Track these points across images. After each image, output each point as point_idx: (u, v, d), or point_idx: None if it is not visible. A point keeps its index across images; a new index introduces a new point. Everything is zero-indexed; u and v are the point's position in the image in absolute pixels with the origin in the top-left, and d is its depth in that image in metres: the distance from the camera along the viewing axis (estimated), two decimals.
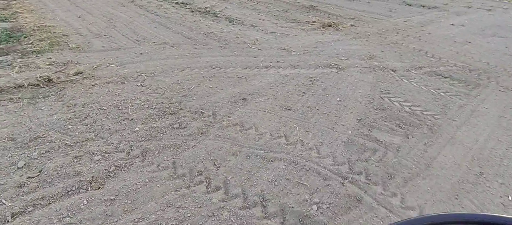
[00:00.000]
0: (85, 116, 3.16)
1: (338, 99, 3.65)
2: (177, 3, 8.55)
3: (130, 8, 7.74)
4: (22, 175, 2.37)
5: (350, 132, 3.06)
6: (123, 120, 3.09)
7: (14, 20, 6.23)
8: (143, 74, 4.12)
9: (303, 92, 3.79)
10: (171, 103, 3.43)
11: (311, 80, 4.09)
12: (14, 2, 7.72)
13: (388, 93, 3.84)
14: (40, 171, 2.41)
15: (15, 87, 3.61)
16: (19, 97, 3.42)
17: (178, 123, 3.10)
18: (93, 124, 3.03)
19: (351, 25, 6.92)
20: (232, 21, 6.99)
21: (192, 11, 7.71)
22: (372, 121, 3.25)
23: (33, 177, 2.35)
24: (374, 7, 8.88)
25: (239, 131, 3.01)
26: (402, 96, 3.76)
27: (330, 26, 6.75)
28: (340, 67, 4.54)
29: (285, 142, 2.87)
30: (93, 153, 2.62)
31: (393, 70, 4.49)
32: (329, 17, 7.64)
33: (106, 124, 3.03)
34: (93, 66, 4.28)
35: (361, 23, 7.14)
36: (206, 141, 2.84)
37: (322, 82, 4.05)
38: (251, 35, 6.05)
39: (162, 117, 3.18)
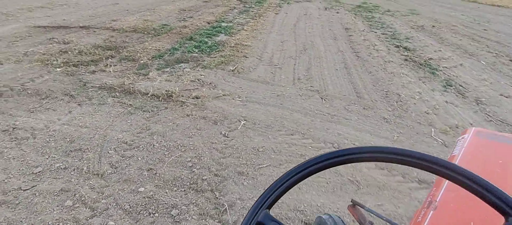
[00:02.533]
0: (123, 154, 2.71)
1: None
2: (396, 46, 6.81)
3: (337, 42, 6.86)
4: None
5: None
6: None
7: (233, 35, 6.94)
8: (243, 122, 3.23)
9: None
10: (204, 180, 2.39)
11: None
12: (258, 19, 8.74)
13: None
14: None
15: (140, 93, 3.73)
16: (130, 104, 3.47)
17: None
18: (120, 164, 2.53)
19: None
20: (450, 86, 4.65)
21: (405, 60, 5.83)
22: None
23: None
24: None
25: None
26: None
27: None
28: None
29: None
30: None
31: None
32: None
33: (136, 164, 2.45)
34: (217, 94, 3.84)
35: None
36: None
37: None
38: (454, 116, 3.70)
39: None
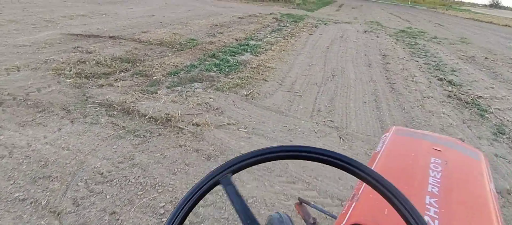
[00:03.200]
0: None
1: None
2: (439, 79, 6.00)
3: (371, 70, 6.19)
4: None
5: None
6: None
7: (258, 55, 6.56)
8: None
9: None
10: None
11: None
12: (290, 39, 8.32)
13: None
14: None
15: (139, 114, 3.42)
16: (123, 126, 3.16)
17: None
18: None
19: None
20: (502, 134, 3.84)
21: (449, 97, 5.04)
22: None
23: None
24: None
25: None
26: None
27: None
28: None
29: None
30: None
31: None
32: None
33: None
34: (222, 122, 3.42)
35: None
36: None
37: None
38: (507, 177, 2.94)
39: None
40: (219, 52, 6.34)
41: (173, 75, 4.77)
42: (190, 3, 14.80)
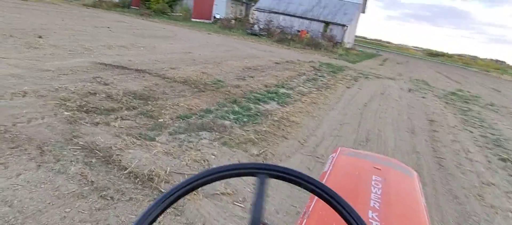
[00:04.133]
0: None
1: None
2: (502, 159, 4.82)
3: (414, 138, 5.19)
4: None
5: None
6: None
7: (285, 105, 5.88)
8: None
9: None
10: None
11: None
12: (324, 90, 7.59)
13: None
14: None
15: (119, 166, 2.81)
16: (92, 181, 2.55)
17: None
18: None
19: None
20: None
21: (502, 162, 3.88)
22: None
23: None
24: None
25: None
26: None
27: None
28: None
29: None
30: None
31: None
32: None
33: None
34: (214, 191, 2.69)
35: None
36: None
37: None
38: None
39: None
40: (243, 98, 5.77)
41: (183, 119, 4.22)
42: (231, 44, 14.86)
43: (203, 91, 5.74)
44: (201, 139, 3.73)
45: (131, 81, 5.58)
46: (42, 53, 6.61)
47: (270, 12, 25.27)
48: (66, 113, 3.74)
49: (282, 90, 7.02)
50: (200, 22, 25.70)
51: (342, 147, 1.50)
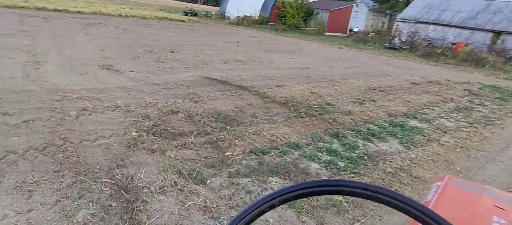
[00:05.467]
0: None
1: None
2: None
3: None
4: None
5: None
6: None
7: (413, 147, 4.15)
8: None
9: None
10: None
11: None
12: (483, 127, 5.24)
13: None
14: None
15: (137, 222, 2.12)
16: None
17: None
18: None
19: None
20: None
21: None
22: None
23: None
24: None
25: None
26: None
27: None
28: None
29: None
30: None
31: None
32: None
33: None
34: None
35: None
36: None
37: None
38: None
39: None
40: (351, 130, 4.40)
41: (256, 155, 3.31)
42: (361, 59, 13.09)
43: (301, 117, 4.69)
44: (266, 189, 2.73)
45: (224, 99, 5.10)
46: (164, 66, 7.05)
47: (417, 22, 21.59)
48: (134, 134, 3.44)
49: (412, 122, 5.17)
50: (334, 36, 24.55)
51: (451, 176, 1.19)
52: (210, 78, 6.44)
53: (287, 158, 3.35)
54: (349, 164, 3.38)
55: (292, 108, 5.09)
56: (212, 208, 2.35)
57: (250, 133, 3.82)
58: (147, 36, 11.56)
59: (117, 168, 2.72)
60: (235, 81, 6.37)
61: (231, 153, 3.29)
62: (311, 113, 4.97)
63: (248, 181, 2.82)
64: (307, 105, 5.36)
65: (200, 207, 2.35)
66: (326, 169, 3.24)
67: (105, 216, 2.15)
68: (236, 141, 3.55)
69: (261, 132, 3.90)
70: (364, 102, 6.08)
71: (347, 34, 26.63)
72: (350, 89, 7.02)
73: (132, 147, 3.14)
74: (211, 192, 2.58)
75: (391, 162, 3.57)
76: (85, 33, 10.40)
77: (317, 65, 9.73)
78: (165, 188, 2.51)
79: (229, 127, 3.93)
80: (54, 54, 6.83)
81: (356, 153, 3.71)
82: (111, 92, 4.76)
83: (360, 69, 10.01)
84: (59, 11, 16.82)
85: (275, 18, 26.97)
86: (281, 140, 3.79)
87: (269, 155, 3.37)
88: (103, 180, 2.53)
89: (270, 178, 2.93)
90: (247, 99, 5.22)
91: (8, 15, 12.29)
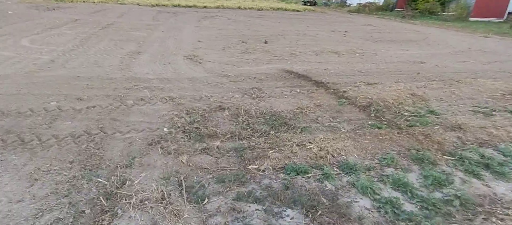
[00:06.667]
0: None
1: None
2: None
3: None
4: None
5: None
6: None
7: None
8: None
9: None
10: None
11: None
12: None
13: None
14: None
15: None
16: None
17: None
18: None
19: None
20: None
21: None
22: None
23: None
24: None
25: None
26: None
27: None
28: None
29: None
30: None
31: None
32: None
33: None
34: None
35: None
36: None
37: None
38: None
39: None
40: (450, 155, 3.05)
41: (288, 174, 2.59)
42: None
43: (379, 128, 3.57)
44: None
45: (289, 97, 4.40)
46: (247, 57, 6.80)
47: None
48: (165, 130, 3.22)
49: None
50: (483, 21, 19.38)
51: None
52: (289, 71, 5.80)
53: (328, 185, 2.49)
54: (421, 211, 2.25)
55: (373, 115, 3.97)
56: None
57: (294, 142, 3.08)
58: (251, 27, 11.65)
59: (120, 168, 2.52)
60: (316, 76, 5.52)
61: (256, 166, 2.67)
62: (398, 122, 3.75)
63: (256, 210, 2.17)
64: (397, 111, 4.10)
65: None
66: (379, 212, 2.23)
67: (69, 222, 1.93)
68: (270, 152, 2.89)
69: (309, 142, 3.10)
70: (494, 113, 4.27)
71: (505, 18, 20.66)
72: (475, 93, 5.12)
73: (153, 145, 2.92)
74: (198, 216, 2.06)
75: (503, 220, 2.22)
76: (195, 25, 11.25)
77: (437, 59, 7.66)
78: (147, 201, 2.14)
79: (273, 132, 3.28)
80: (156, 45, 7.52)
81: (442, 193, 2.49)
82: (177, 83, 4.76)
83: (505, 66, 7.35)
84: (189, 6, 19.01)
85: (403, 3, 23.39)
86: (332, 156, 2.90)
87: (305, 176, 2.58)
88: (98, 180, 2.36)
89: (287, 210, 2.19)
90: (317, 99, 4.38)
91: (149, 12, 14.55)
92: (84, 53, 6.32)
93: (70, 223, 1.95)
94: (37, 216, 1.99)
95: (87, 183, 2.33)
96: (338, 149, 3.02)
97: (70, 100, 3.89)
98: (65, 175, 2.42)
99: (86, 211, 2.05)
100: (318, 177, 2.59)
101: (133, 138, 3.04)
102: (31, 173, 2.42)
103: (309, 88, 4.86)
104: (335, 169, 2.72)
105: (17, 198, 2.15)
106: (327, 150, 2.97)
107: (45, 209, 2.05)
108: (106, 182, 2.33)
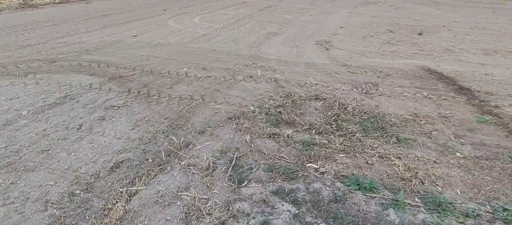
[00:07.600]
0: None
1: None
2: None
3: None
4: None
5: None
6: None
7: None
8: None
9: None
10: None
11: None
12: None
13: None
14: None
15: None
16: None
17: None
18: None
19: None
20: None
21: None
22: None
23: None
24: None
25: None
26: None
27: None
28: None
29: None
30: None
31: None
32: None
33: None
34: None
35: None
36: None
37: None
38: None
39: None
40: None
41: (347, 186, 2.19)
42: None
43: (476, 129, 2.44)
44: None
45: (407, 100, 3.58)
46: (385, 49, 5.94)
47: None
48: (251, 108, 3.30)
49: None
50: None
51: None
52: (431, 70, 4.71)
53: (391, 216, 1.95)
54: None
55: (439, 122, 2.76)
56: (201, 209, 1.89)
57: (378, 152, 2.53)
58: (413, 15, 10.02)
59: (194, 133, 2.80)
60: (466, 81, 4.25)
61: (316, 166, 2.38)
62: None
63: (287, 211, 1.97)
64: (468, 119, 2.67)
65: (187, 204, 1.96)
66: None
67: (134, 164, 2.33)
68: (341, 155, 2.50)
69: (398, 157, 2.48)
70: None
71: None
72: None
73: (232, 119, 3.07)
74: (227, 196, 2.06)
75: None
76: (348, 11, 10.65)
77: None
78: (192, 167, 2.29)
79: (359, 135, 2.80)
80: (296, 28, 7.64)
81: None
82: (292, 66, 4.73)
83: None
84: None
85: None
86: (421, 182, 2.23)
87: (368, 194, 2.11)
88: (172, 138, 2.71)
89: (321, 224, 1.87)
90: (446, 109, 3.40)
91: None
92: (231, 30, 7.16)
93: (135, 165, 2.35)
94: (120, 151, 2.51)
95: (164, 138, 2.72)
96: (435, 175, 2.29)
97: (197, 68, 4.56)
98: (156, 127, 2.91)
99: (149, 160, 2.42)
100: (384, 201, 2.07)
101: (221, 109, 3.29)
102: (138, 120, 3.04)
103: (443, 94, 3.81)
104: (415, 199, 2.09)
105: (118, 136, 2.76)
106: (416, 172, 2.31)
107: (127, 149, 2.55)
108: (176, 141, 2.65)
